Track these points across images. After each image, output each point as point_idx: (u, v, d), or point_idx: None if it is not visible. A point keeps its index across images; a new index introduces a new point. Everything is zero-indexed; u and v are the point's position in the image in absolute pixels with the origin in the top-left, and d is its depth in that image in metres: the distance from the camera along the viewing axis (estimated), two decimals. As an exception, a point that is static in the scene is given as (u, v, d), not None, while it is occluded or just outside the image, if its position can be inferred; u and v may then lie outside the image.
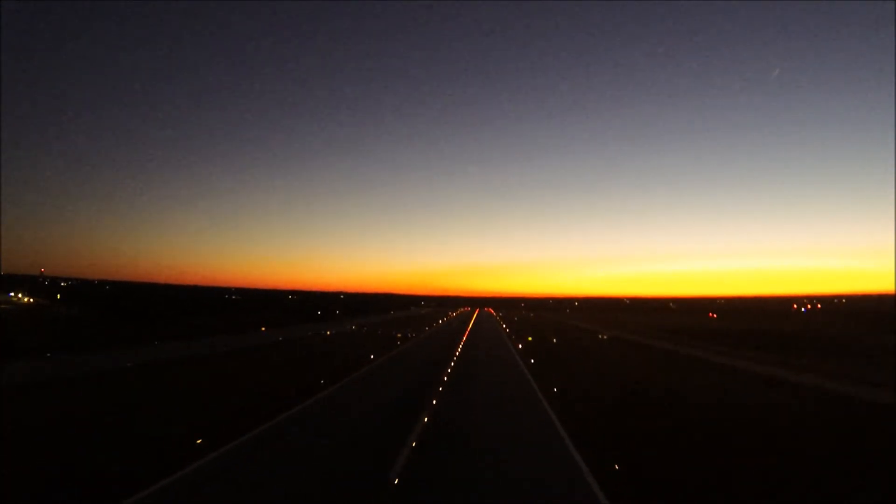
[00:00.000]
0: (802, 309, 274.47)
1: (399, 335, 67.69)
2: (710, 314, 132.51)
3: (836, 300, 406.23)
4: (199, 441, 16.75)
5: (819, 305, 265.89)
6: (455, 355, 44.21)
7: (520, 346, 55.80)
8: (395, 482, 12.79)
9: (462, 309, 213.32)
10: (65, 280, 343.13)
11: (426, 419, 20.54)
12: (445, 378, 31.26)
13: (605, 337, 73.82)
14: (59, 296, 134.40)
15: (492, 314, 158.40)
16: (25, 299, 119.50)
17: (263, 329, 72.26)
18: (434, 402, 23.94)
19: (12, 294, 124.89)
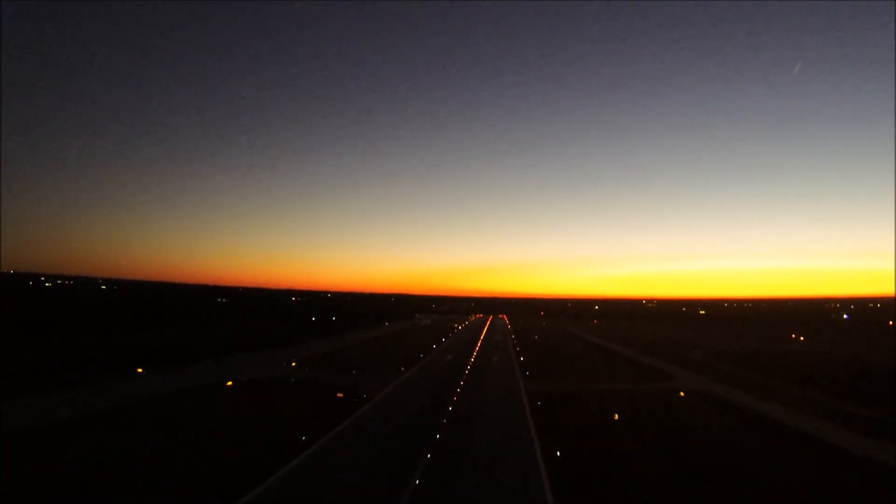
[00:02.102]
0: (845, 316, 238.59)
1: (339, 396, 38.58)
2: (794, 335, 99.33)
3: (870, 304, 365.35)
4: None
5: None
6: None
7: (558, 452, 26.23)
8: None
9: (472, 318, 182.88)
10: (61, 279, 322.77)
11: None
12: None
13: (688, 395, 43.90)
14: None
15: (506, 328, 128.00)
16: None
17: (140, 371, 44.90)
18: None
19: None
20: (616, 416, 33.67)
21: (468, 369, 52.94)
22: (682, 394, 42.44)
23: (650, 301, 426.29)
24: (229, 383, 41.82)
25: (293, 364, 53.22)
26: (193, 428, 28.46)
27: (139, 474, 21.09)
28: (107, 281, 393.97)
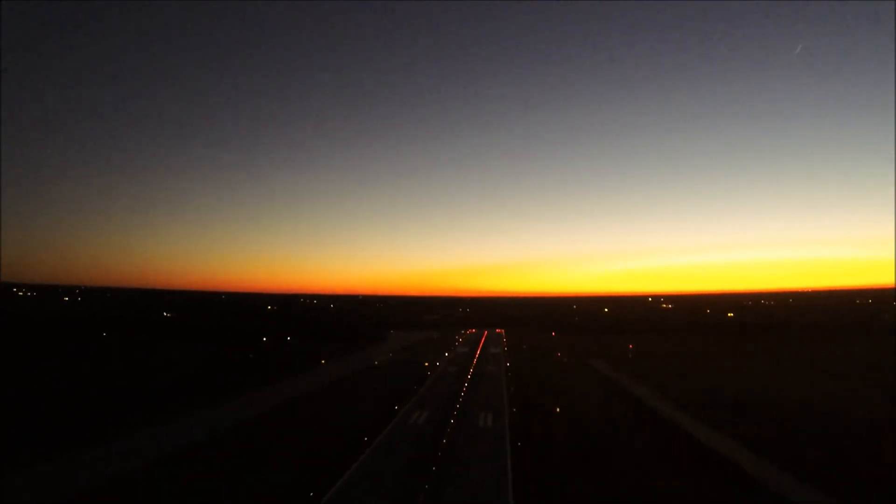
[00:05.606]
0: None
1: None
2: None
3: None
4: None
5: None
6: None
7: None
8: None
9: (461, 337, 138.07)
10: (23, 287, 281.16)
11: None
12: None
13: None
14: None
15: (504, 366, 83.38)
16: None
17: None
18: None
19: None
20: None
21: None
22: None
23: (665, 302, 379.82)
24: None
25: None
26: None
27: None
28: (47, 288, 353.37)
